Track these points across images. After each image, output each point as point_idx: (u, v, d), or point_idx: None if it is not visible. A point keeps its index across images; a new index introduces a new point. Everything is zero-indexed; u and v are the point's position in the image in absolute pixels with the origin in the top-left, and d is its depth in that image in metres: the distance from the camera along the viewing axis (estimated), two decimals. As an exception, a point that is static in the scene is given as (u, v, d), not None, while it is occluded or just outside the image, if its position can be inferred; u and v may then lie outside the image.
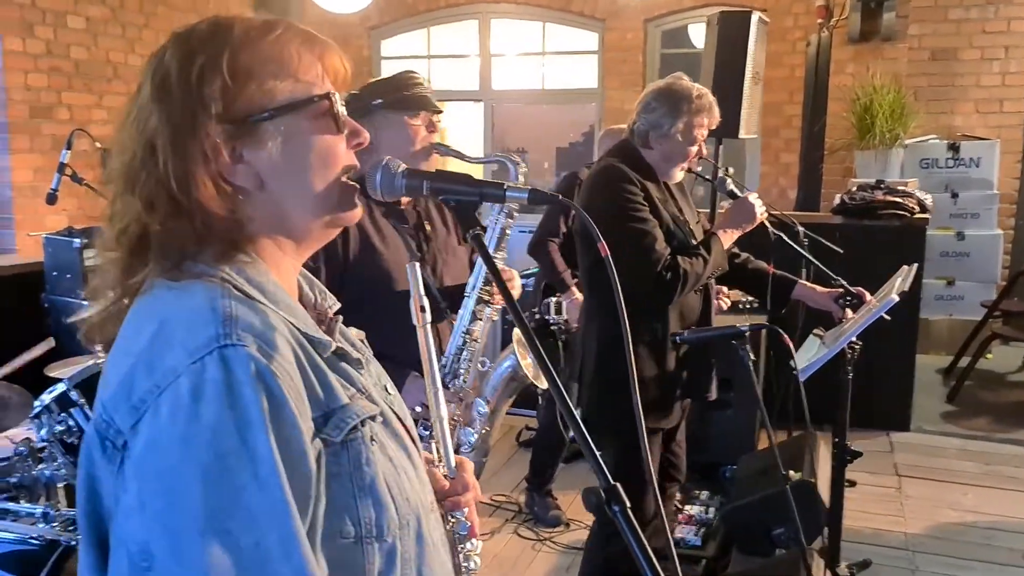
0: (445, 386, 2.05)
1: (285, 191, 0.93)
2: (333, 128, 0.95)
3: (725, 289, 3.14)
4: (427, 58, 7.38)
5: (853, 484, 3.94)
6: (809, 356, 2.39)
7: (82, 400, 2.72)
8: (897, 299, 2.26)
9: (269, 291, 0.90)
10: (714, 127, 2.74)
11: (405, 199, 2.19)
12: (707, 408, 4.03)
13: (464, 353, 2.07)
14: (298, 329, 0.89)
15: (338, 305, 1.10)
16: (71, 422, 2.59)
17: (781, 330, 2.21)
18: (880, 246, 4.36)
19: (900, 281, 2.40)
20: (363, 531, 0.89)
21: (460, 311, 2.09)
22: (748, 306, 4.01)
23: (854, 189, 4.96)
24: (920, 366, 4.83)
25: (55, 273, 3.55)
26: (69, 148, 3.51)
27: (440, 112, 2.21)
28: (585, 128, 7.14)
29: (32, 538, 2.21)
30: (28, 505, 2.40)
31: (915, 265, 2.63)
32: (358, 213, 1.00)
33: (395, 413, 1.05)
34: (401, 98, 2.13)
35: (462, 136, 9.48)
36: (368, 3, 5.66)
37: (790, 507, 2.53)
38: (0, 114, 4.88)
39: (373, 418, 0.92)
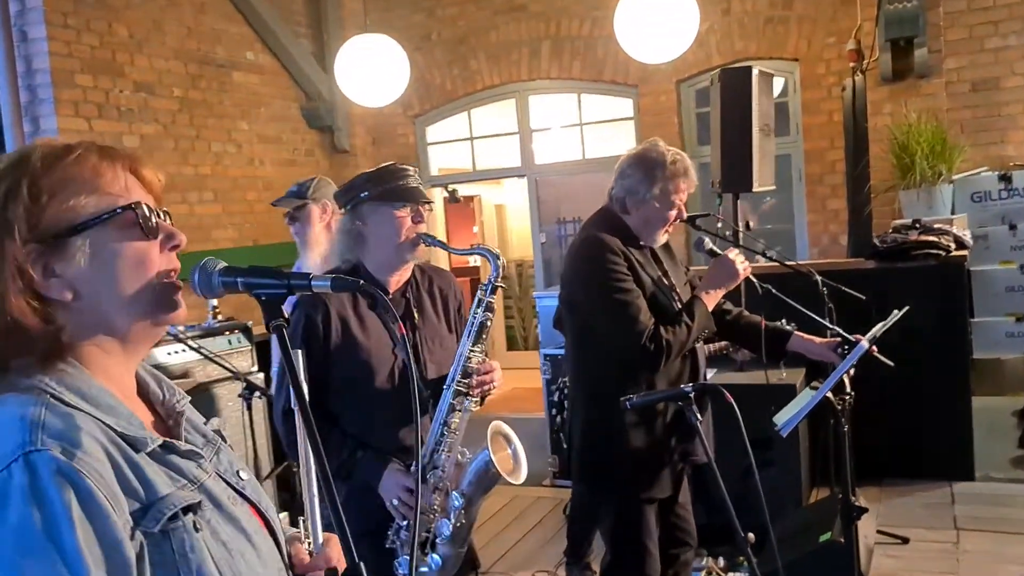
0: (424, 479, 2.08)
1: (100, 299, 1.00)
2: (141, 235, 1.02)
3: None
4: (470, 139, 7.59)
5: (905, 541, 3.75)
6: (793, 410, 2.32)
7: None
8: (866, 346, 2.18)
9: (90, 395, 0.96)
10: (691, 190, 2.75)
11: (394, 288, 2.27)
12: (748, 468, 3.93)
13: (443, 444, 2.11)
14: (113, 429, 0.95)
15: (186, 400, 1.15)
16: None
17: (723, 389, 2.16)
18: (916, 288, 4.21)
19: (879, 327, 2.32)
20: None
21: (439, 403, 2.14)
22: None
23: (891, 231, 4.82)
24: (992, 409, 4.59)
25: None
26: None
27: (428, 203, 2.29)
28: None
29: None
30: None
31: (905, 308, 2.54)
32: (181, 313, 1.06)
33: (247, 498, 1.10)
34: (388, 190, 2.21)
35: (514, 212, 9.64)
36: (397, 96, 5.88)
37: (820, 570, 2.44)
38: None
39: (194, 507, 0.97)
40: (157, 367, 3.94)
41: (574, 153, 7.32)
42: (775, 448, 3.79)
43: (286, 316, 1.05)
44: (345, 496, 2.17)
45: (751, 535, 2.09)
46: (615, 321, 2.49)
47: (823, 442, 4.05)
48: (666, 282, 2.64)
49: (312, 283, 1.05)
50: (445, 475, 2.08)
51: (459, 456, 2.10)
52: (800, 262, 5.26)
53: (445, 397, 2.12)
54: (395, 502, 2.08)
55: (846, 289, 3.33)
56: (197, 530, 0.96)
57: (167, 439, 1.01)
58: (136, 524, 0.91)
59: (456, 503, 2.04)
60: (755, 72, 4.06)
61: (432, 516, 2.06)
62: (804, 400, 2.32)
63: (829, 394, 2.36)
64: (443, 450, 2.09)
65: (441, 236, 8.27)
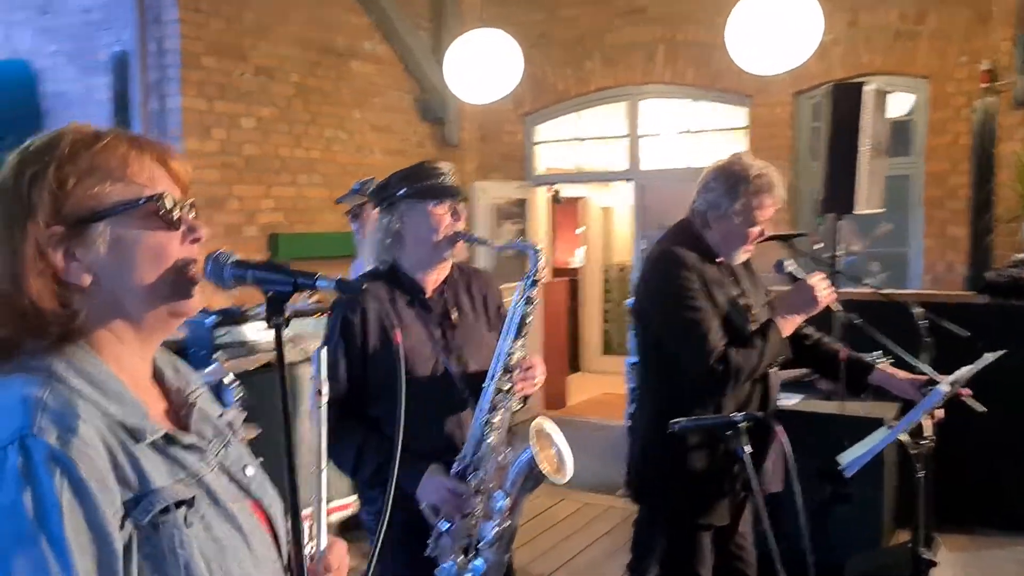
0: (464, 478, 2.06)
1: (117, 286, 1.02)
2: (162, 226, 1.04)
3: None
4: (577, 140, 7.55)
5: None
6: (861, 450, 2.21)
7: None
8: (945, 390, 2.05)
9: (97, 380, 0.98)
10: (777, 207, 2.64)
11: (431, 288, 2.27)
12: (827, 502, 3.77)
13: (484, 444, 2.07)
14: (115, 417, 0.97)
15: (202, 389, 1.18)
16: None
17: (772, 424, 2.06)
18: (1031, 327, 3.93)
19: (966, 370, 2.18)
20: None
21: (479, 401, 2.10)
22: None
23: (1010, 264, 4.52)
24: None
25: (193, 348, 3.95)
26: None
27: (466, 199, 2.29)
28: (736, 204, 7.02)
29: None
30: None
31: (1001, 352, 2.37)
32: (195, 303, 1.09)
33: (251, 494, 1.11)
34: (424, 188, 2.19)
35: (620, 216, 9.54)
36: (504, 93, 5.90)
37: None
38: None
39: (188, 502, 0.98)
40: (246, 344, 4.09)
41: (682, 160, 7.18)
42: (856, 483, 3.61)
43: (287, 316, 1.06)
44: (381, 505, 2.17)
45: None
46: (683, 339, 2.43)
47: (910, 482, 3.85)
48: (742, 302, 2.55)
49: (317, 283, 1.06)
50: (487, 476, 2.04)
51: (500, 457, 2.07)
52: (906, 291, 5.03)
53: (486, 395, 2.08)
54: (438, 504, 2.04)
55: (947, 324, 3.15)
56: (188, 525, 0.97)
57: (170, 431, 1.03)
58: (127, 514, 0.92)
59: (499, 504, 2.02)
60: (867, 88, 3.88)
61: (475, 520, 2.04)
62: (875, 440, 2.20)
63: (905, 437, 2.22)
64: (485, 450, 2.05)
65: (544, 236, 8.27)
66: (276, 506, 1.16)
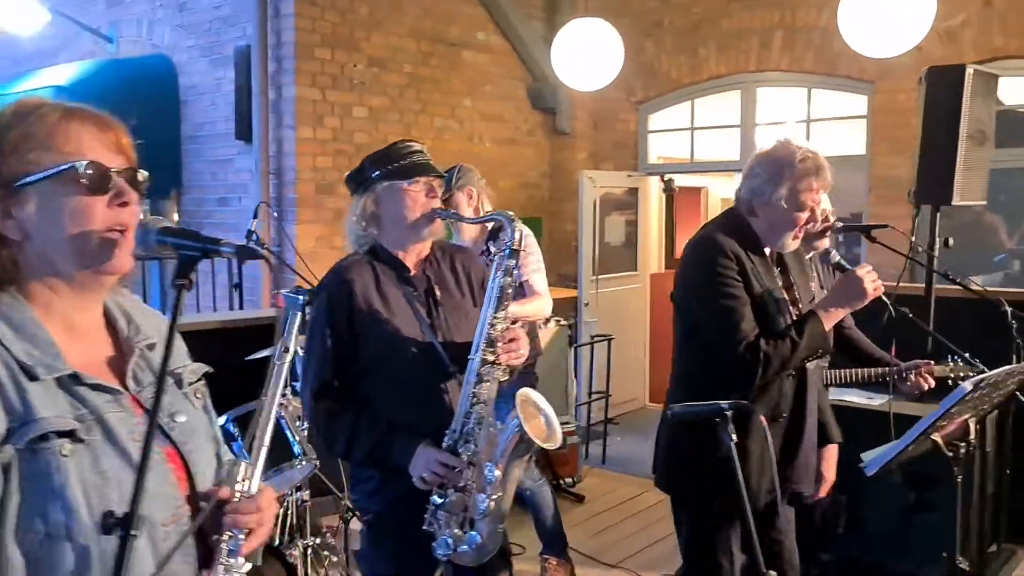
0: (455, 451, 2.10)
1: (47, 244, 1.16)
2: (85, 191, 1.16)
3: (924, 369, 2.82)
4: (690, 130, 7.41)
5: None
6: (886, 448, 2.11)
7: (238, 433, 3.19)
8: (968, 388, 1.93)
9: (13, 321, 1.13)
10: (826, 191, 2.55)
11: (414, 266, 2.30)
12: (908, 509, 3.60)
13: (472, 416, 2.11)
14: (14, 356, 1.10)
15: (149, 340, 1.29)
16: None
17: (752, 409, 1.98)
18: None
19: (1001, 370, 2.04)
20: (51, 530, 1.07)
21: (466, 374, 2.13)
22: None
23: None
24: None
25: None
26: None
27: (441, 177, 2.29)
28: (855, 195, 6.64)
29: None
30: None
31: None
32: (121, 264, 1.19)
33: (170, 439, 1.22)
34: (398, 168, 2.22)
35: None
36: (608, 81, 5.88)
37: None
38: (290, 190, 5.83)
39: (69, 433, 1.10)
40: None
41: (800, 150, 6.91)
42: (939, 489, 3.42)
43: (191, 280, 1.14)
44: (377, 484, 2.23)
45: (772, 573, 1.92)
46: (716, 325, 2.39)
47: (998, 491, 3.61)
48: (783, 295, 2.48)
49: (221, 248, 1.14)
50: (478, 448, 2.08)
51: (490, 428, 2.10)
52: (1003, 289, 4.69)
53: (471, 367, 2.11)
54: (425, 476, 2.08)
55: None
56: (64, 456, 1.08)
57: (79, 371, 1.15)
58: (7, 438, 1.06)
59: (491, 476, 2.05)
60: (970, 71, 3.63)
61: (468, 492, 2.08)
62: (901, 439, 2.09)
63: (938, 438, 2.10)
64: (473, 422, 2.09)
65: (656, 226, 8.16)
66: (200, 452, 1.27)
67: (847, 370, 3.09)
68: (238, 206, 6.10)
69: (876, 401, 3.73)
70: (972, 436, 2.14)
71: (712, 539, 2.45)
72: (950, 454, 2.12)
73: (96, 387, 1.17)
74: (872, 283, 2.37)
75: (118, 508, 1.09)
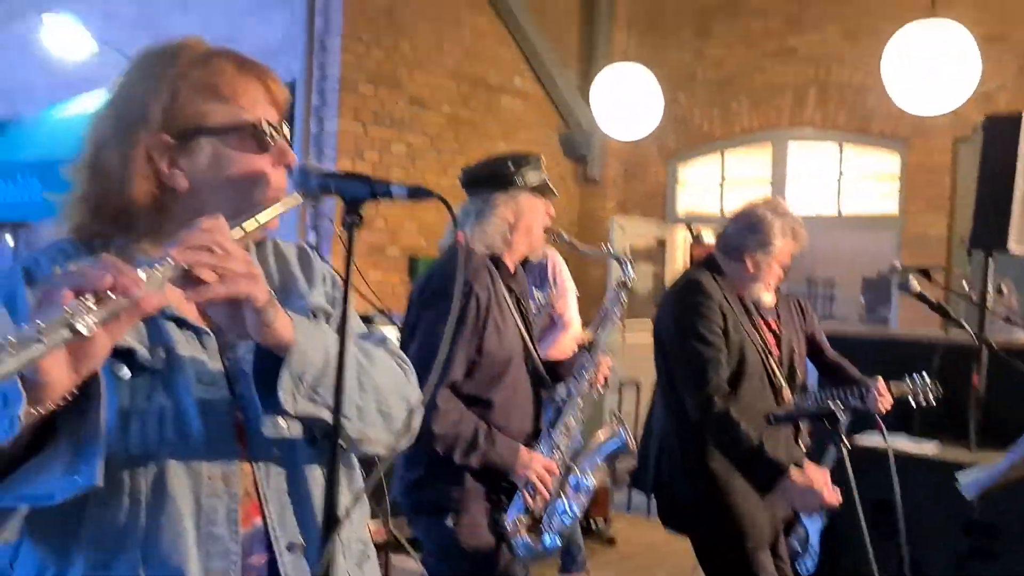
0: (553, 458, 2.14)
1: (209, 195, 1.14)
2: (256, 148, 1.15)
3: (881, 382, 2.82)
4: (721, 183, 7.47)
5: None
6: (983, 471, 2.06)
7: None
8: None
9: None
10: (796, 252, 2.71)
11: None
12: (966, 557, 3.51)
13: (571, 428, 2.22)
14: None
15: None
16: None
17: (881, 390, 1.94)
18: None
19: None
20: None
21: (568, 388, 2.25)
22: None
23: None
24: None
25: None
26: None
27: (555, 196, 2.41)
28: (885, 254, 6.66)
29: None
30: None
31: None
32: (272, 225, 1.17)
33: (232, 385, 1.15)
34: (544, 184, 2.32)
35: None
36: (649, 131, 5.96)
37: None
38: (327, 222, 5.85)
39: (124, 352, 1.05)
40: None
41: (830, 208, 6.96)
42: (1002, 537, 3.34)
43: (362, 216, 1.13)
44: (466, 482, 2.21)
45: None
46: (688, 368, 2.46)
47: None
48: (760, 342, 2.57)
49: (392, 189, 1.13)
50: (571, 458, 2.11)
51: (583, 440, 2.13)
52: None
53: (576, 382, 2.21)
54: (532, 476, 2.11)
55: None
56: (118, 378, 1.03)
57: (176, 312, 1.11)
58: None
59: (584, 484, 2.04)
60: (1027, 120, 3.67)
61: (556, 496, 2.07)
62: (996, 464, 2.04)
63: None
64: (568, 433, 2.16)
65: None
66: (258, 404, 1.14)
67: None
68: (275, 236, 6.11)
69: (926, 448, 3.68)
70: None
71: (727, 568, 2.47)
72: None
73: (178, 321, 1.12)
74: (824, 491, 2.35)
75: (148, 444, 1.05)
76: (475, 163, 2.38)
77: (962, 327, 2.79)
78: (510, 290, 2.30)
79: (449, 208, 1.15)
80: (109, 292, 0.85)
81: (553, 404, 2.24)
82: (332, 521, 1.01)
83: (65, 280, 0.85)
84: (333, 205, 5.75)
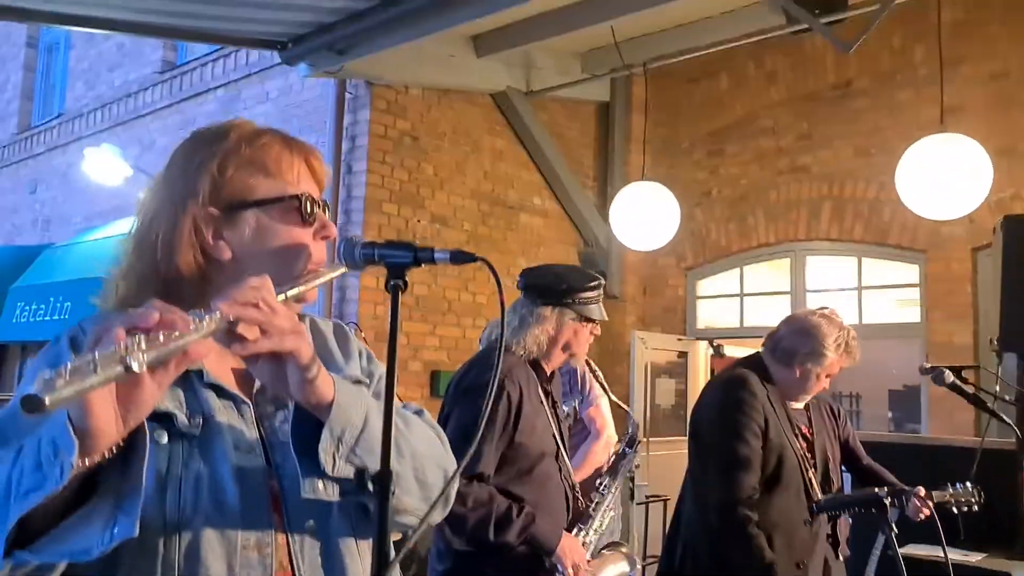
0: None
1: (251, 265, 1.16)
2: (299, 221, 1.19)
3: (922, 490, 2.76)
4: (740, 296, 7.50)
5: None
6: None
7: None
8: None
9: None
10: (846, 366, 2.70)
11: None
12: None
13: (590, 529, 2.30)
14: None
15: None
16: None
17: (923, 498, 1.88)
18: None
19: None
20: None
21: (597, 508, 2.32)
22: None
23: None
24: None
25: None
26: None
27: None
28: (910, 366, 6.59)
29: None
30: None
31: None
32: (313, 293, 1.19)
33: (268, 454, 1.15)
34: (592, 310, 2.37)
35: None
36: (665, 242, 6.05)
37: None
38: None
39: (162, 416, 1.06)
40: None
41: (851, 318, 6.94)
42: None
43: (407, 281, 1.16)
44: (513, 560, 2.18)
45: None
46: (720, 464, 2.43)
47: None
48: (798, 448, 2.54)
49: (435, 255, 1.16)
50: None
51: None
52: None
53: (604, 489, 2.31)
54: (574, 561, 2.11)
55: None
56: (152, 437, 0.99)
57: (209, 375, 1.13)
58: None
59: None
60: (1044, 220, 3.71)
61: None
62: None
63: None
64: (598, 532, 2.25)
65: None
66: (294, 472, 1.13)
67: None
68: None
69: (973, 558, 3.54)
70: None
71: None
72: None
73: (216, 388, 1.14)
74: None
75: (184, 510, 1.05)
76: (537, 266, 2.44)
77: (1002, 419, 2.73)
78: (546, 393, 2.32)
79: (493, 271, 1.18)
80: (160, 333, 0.87)
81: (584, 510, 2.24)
82: (383, 563, 0.99)
83: (119, 320, 0.87)
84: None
